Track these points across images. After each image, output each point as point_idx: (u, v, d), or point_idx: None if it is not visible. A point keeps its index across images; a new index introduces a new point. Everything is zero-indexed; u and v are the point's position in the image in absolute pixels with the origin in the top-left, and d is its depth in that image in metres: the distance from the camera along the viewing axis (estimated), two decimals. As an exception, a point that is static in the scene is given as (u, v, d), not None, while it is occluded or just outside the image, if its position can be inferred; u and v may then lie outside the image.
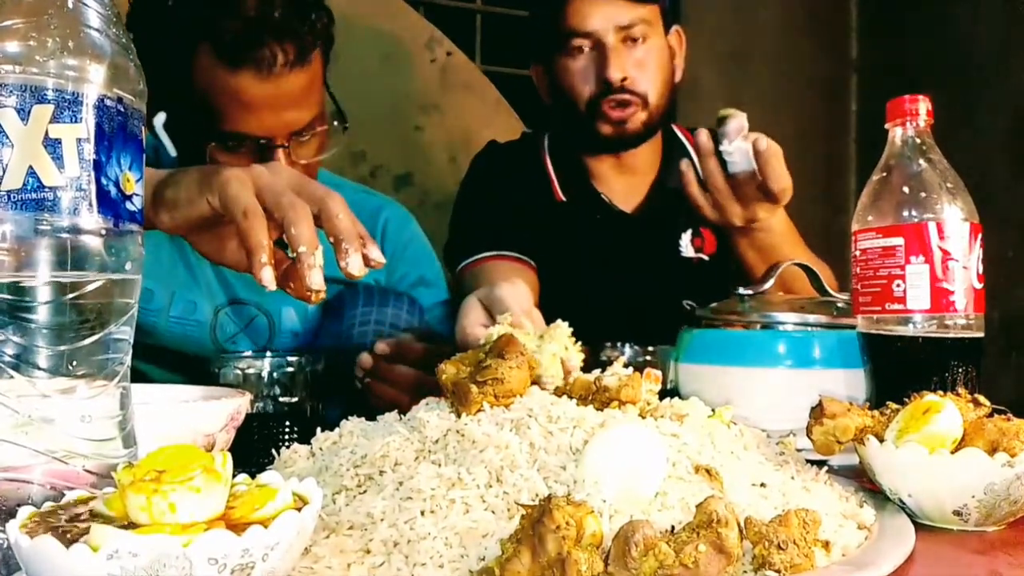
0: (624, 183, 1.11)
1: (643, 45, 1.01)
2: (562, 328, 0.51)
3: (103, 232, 0.35)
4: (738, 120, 0.81)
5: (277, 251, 0.51)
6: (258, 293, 0.91)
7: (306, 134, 0.81)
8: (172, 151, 0.81)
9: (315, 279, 0.49)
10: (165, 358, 0.88)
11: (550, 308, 1.05)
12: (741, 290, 0.73)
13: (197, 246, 0.57)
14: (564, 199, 1.10)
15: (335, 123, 0.85)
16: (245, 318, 0.91)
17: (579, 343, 0.51)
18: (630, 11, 0.99)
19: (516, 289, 0.65)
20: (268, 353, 0.68)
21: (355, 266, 0.50)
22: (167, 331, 0.88)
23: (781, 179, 0.82)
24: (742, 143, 0.81)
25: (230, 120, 0.77)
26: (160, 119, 0.81)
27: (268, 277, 0.48)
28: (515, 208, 1.07)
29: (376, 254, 0.52)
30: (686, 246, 1.10)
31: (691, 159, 0.89)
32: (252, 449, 0.52)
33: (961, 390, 0.51)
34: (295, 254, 0.49)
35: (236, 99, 0.76)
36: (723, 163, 0.83)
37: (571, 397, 0.47)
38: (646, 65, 1.01)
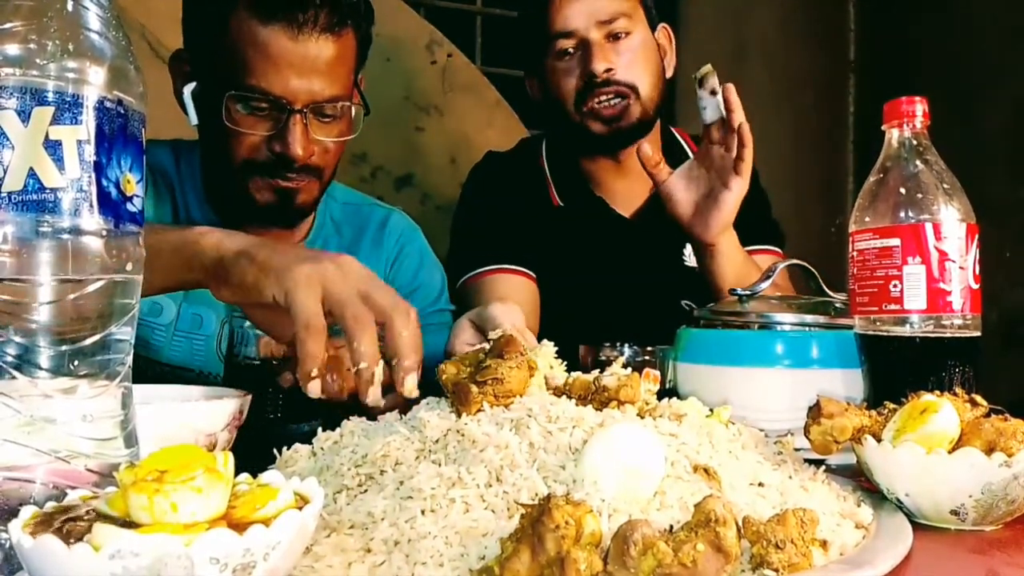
0: (623, 187, 1.11)
1: (627, 39, 1.01)
2: (547, 347, 0.52)
3: (104, 233, 0.35)
4: (715, 76, 0.91)
5: (329, 345, 0.51)
6: None
7: (327, 108, 0.81)
8: (194, 119, 0.82)
9: (373, 395, 0.50)
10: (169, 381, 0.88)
11: (550, 311, 1.05)
12: (739, 290, 0.74)
13: (250, 317, 0.59)
14: (561, 204, 1.10)
15: (357, 107, 0.85)
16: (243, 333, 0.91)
17: (563, 363, 0.52)
18: (608, 5, 1.00)
19: (508, 308, 0.65)
20: None
21: (409, 387, 0.51)
22: (173, 347, 0.88)
23: (741, 112, 0.89)
24: (715, 96, 0.89)
25: (254, 74, 0.78)
26: (189, 88, 0.81)
27: (315, 389, 0.50)
28: (515, 217, 1.07)
29: (412, 384, 0.52)
30: (689, 256, 1.10)
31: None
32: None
33: (958, 390, 0.51)
34: (355, 368, 0.50)
35: (263, 53, 0.77)
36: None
37: (570, 397, 0.47)
38: (632, 58, 1.01)
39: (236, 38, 0.78)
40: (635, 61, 1.01)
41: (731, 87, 0.89)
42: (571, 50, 1.01)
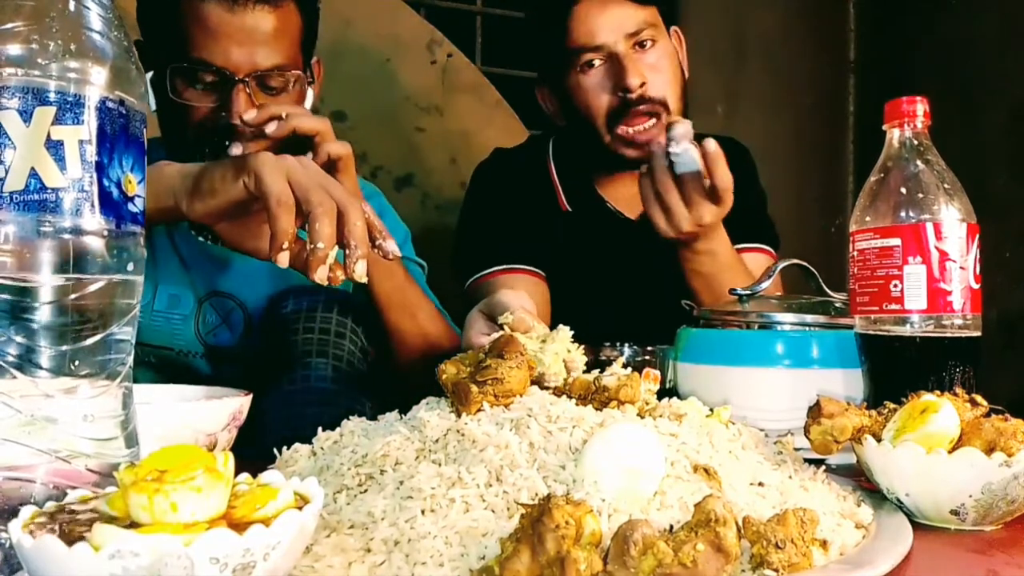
0: (628, 190, 1.10)
1: (653, 49, 0.99)
2: (564, 331, 0.52)
3: (105, 233, 0.35)
4: (684, 125, 0.87)
5: (298, 241, 0.56)
6: (236, 287, 0.91)
7: (271, 80, 0.83)
8: (153, 105, 0.84)
9: (320, 274, 0.54)
10: (147, 359, 0.89)
11: (555, 312, 1.05)
12: (739, 290, 0.74)
13: (222, 233, 0.63)
14: (569, 208, 1.10)
15: (303, 76, 0.86)
16: (224, 311, 0.91)
17: (580, 347, 0.52)
18: (635, 15, 0.97)
19: (517, 294, 0.66)
20: None
21: (360, 272, 0.55)
22: (152, 328, 0.89)
23: (724, 179, 0.86)
24: (689, 145, 0.86)
25: (195, 47, 0.81)
26: (147, 76, 0.83)
27: (284, 260, 0.55)
28: (521, 217, 1.06)
29: (392, 247, 0.59)
30: None
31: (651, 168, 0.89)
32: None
33: (958, 390, 0.51)
34: (311, 247, 0.55)
35: (203, 26, 0.80)
36: (671, 165, 0.87)
37: (570, 397, 0.47)
38: (660, 69, 0.99)
39: (180, 15, 0.81)
40: (663, 71, 0.99)
41: (714, 145, 0.85)
42: (597, 63, 0.98)
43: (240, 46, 0.80)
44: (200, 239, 0.86)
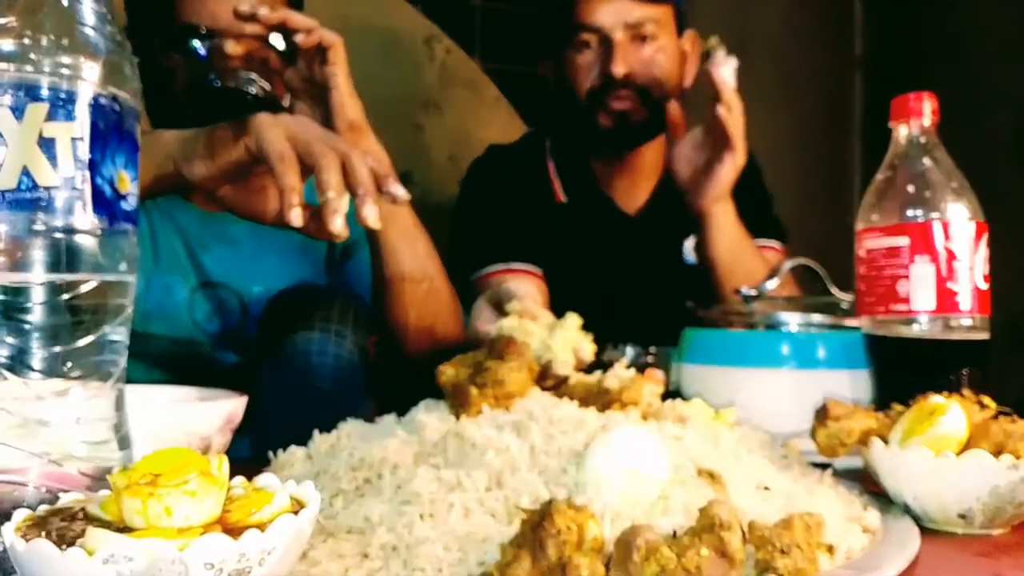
0: (627, 185, 1.10)
1: (652, 44, 1.00)
2: (573, 319, 0.52)
3: (98, 232, 0.35)
4: (723, 48, 0.92)
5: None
6: (229, 275, 0.91)
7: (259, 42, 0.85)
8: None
9: (337, 223, 0.54)
10: (143, 348, 0.89)
11: (553, 308, 1.05)
12: (745, 290, 0.73)
13: (226, 199, 0.63)
14: (565, 200, 1.10)
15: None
16: (217, 299, 0.91)
17: (590, 335, 0.51)
18: (640, 9, 0.99)
19: (522, 285, 0.66)
20: None
21: (371, 217, 0.56)
22: (146, 316, 0.89)
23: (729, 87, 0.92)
24: (728, 65, 0.92)
25: (184, 12, 0.81)
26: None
27: (296, 216, 0.54)
28: (518, 213, 1.07)
29: (399, 190, 0.59)
30: (689, 252, 1.10)
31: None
32: None
33: (966, 392, 0.51)
34: (323, 198, 0.54)
35: None
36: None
37: (572, 399, 0.46)
38: (652, 64, 1.01)
39: None
40: (656, 67, 1.01)
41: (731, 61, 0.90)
42: (592, 45, 1.00)
43: (227, 8, 0.80)
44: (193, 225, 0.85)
